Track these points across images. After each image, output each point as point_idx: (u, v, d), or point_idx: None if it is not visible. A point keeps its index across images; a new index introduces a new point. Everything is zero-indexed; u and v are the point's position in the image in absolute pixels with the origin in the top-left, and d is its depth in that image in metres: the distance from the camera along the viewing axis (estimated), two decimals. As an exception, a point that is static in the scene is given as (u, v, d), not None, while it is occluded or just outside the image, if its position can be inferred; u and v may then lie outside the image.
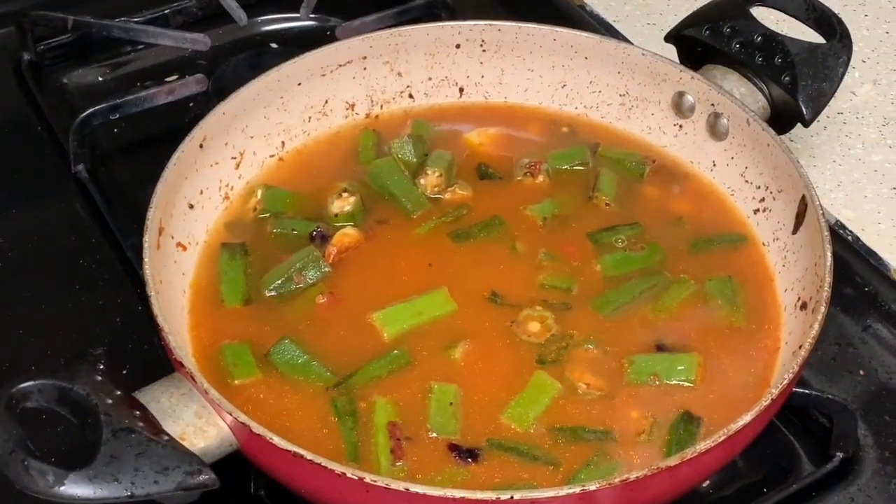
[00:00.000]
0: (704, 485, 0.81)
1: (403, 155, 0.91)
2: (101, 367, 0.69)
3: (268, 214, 0.88)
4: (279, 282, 0.82)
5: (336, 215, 0.87)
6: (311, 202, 0.89)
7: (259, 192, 0.89)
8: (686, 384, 0.77)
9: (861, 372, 0.87)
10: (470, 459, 0.72)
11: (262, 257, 0.85)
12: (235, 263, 0.84)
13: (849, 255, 0.95)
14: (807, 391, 0.81)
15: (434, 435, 0.74)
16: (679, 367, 0.77)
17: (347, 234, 0.85)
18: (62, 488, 0.62)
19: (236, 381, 0.76)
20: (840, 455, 0.81)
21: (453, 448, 0.73)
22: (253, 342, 0.79)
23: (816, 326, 0.72)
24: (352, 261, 0.85)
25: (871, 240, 0.96)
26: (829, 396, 0.81)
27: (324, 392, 0.76)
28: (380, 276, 0.84)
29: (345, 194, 0.88)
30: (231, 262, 0.84)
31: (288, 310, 0.81)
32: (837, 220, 0.98)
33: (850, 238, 0.96)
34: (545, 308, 0.81)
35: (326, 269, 0.83)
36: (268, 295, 0.82)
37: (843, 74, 0.90)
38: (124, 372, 0.82)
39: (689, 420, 0.74)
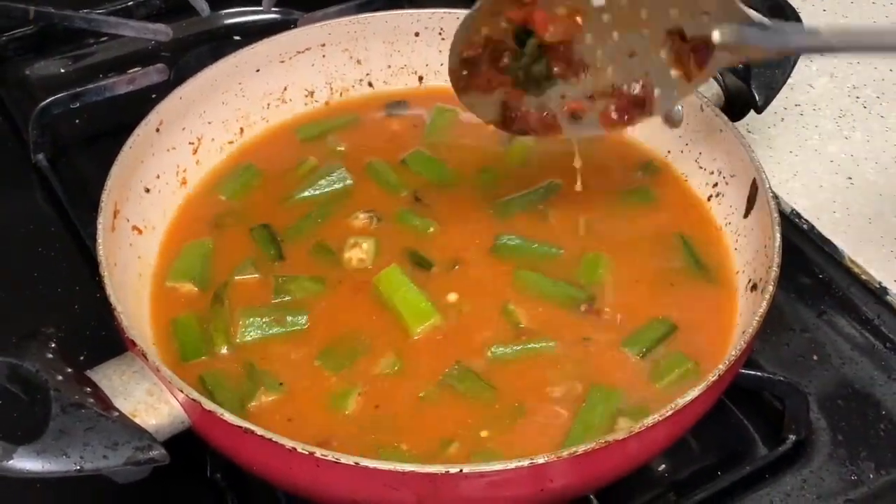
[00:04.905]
0: (660, 468, 0.81)
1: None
2: (53, 345, 0.69)
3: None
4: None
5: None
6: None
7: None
8: None
9: (815, 357, 0.88)
10: None
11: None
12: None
13: (804, 243, 0.97)
14: (758, 373, 0.82)
15: None
16: None
17: None
18: (10, 462, 0.62)
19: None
20: (793, 437, 0.82)
21: None
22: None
23: (764, 305, 0.72)
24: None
25: (825, 228, 0.97)
26: (781, 378, 0.82)
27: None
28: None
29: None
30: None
31: None
32: (793, 209, 0.99)
33: (805, 227, 0.97)
34: None
35: None
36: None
37: (794, 62, 0.91)
38: (81, 358, 0.83)
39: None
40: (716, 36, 0.75)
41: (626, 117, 0.79)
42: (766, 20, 0.75)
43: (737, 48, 0.75)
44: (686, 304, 0.81)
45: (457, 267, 0.83)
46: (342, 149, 0.93)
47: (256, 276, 0.82)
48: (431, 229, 0.86)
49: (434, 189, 0.90)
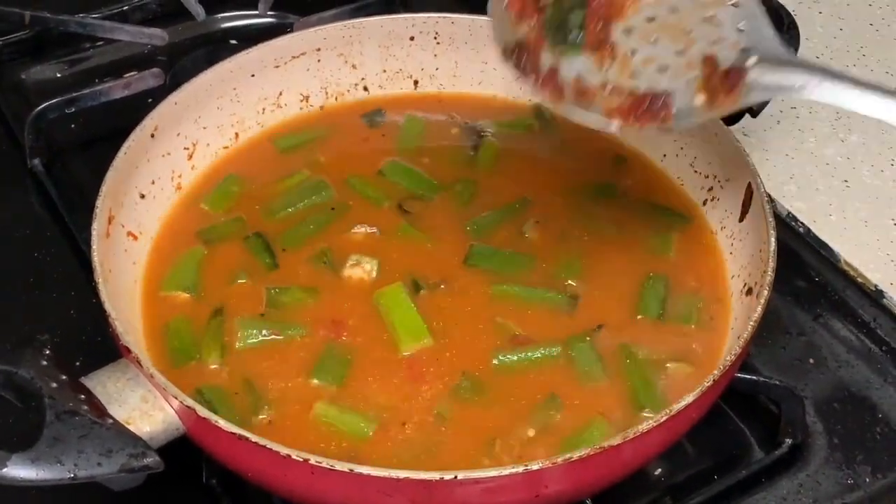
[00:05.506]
0: (656, 472, 0.81)
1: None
2: (47, 352, 0.69)
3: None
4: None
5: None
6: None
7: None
8: None
9: (811, 360, 0.88)
10: None
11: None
12: None
13: (800, 246, 0.97)
14: (754, 377, 0.82)
15: None
16: None
17: None
18: (4, 470, 0.62)
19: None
20: (789, 441, 0.82)
21: None
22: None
23: (759, 310, 0.72)
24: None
25: (822, 231, 0.97)
26: (776, 382, 0.82)
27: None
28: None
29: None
30: None
31: None
32: (789, 212, 0.99)
33: (801, 230, 0.97)
34: None
35: None
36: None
37: (789, 66, 0.91)
38: (77, 363, 0.82)
39: None
40: (750, 62, 0.72)
41: (632, 118, 0.76)
42: (803, 60, 0.73)
43: (767, 84, 0.72)
44: (666, 256, 0.85)
45: (442, 286, 0.82)
46: (322, 160, 0.93)
47: (251, 285, 0.82)
48: (429, 245, 0.86)
49: (415, 199, 0.90)
